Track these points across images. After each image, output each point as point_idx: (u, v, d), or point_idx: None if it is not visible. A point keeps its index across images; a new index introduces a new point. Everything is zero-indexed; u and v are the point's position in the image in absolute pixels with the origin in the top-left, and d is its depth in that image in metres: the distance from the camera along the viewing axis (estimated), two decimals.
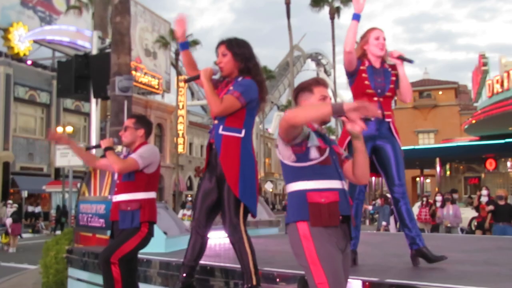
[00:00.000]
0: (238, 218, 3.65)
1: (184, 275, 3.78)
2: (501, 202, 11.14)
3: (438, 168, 28.67)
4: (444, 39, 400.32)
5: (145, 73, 40.62)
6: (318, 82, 2.90)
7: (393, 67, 4.29)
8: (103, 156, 4.35)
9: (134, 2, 39.23)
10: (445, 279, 3.51)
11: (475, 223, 13.43)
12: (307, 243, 2.61)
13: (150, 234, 4.29)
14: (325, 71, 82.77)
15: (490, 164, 27.57)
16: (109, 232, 4.56)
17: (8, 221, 18.23)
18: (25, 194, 28.96)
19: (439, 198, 14.37)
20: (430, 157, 28.53)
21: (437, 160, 28.15)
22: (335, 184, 2.70)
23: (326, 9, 41.59)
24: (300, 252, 2.64)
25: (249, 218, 3.90)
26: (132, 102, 9.51)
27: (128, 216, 4.16)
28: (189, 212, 15.99)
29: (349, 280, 2.90)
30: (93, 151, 5.18)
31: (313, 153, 2.70)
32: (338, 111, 2.48)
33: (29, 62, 32.82)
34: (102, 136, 10.77)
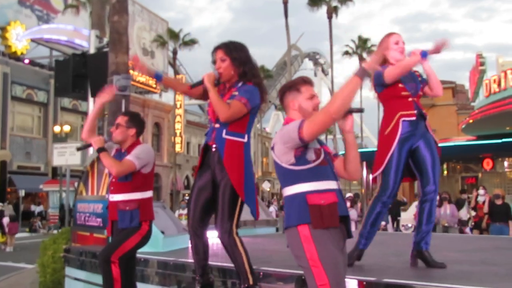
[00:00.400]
0: (231, 221, 3.68)
1: (199, 276, 3.87)
2: (498, 202, 11.16)
3: None
4: None
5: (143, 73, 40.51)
6: (304, 81, 2.90)
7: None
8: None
9: (132, 1, 39.15)
10: (443, 279, 3.52)
11: (472, 223, 13.44)
12: (308, 245, 2.60)
13: (149, 232, 4.30)
14: (323, 71, 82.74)
15: (487, 164, 27.59)
16: (106, 232, 4.56)
17: (5, 220, 18.19)
18: (22, 193, 28.91)
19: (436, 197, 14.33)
20: None
21: None
22: (332, 184, 2.71)
23: (323, 9, 41.68)
24: (301, 254, 2.63)
25: (249, 217, 3.92)
26: (129, 101, 9.50)
27: (127, 216, 4.16)
28: (185, 212, 15.99)
29: (346, 279, 2.90)
30: (91, 149, 5.14)
31: (310, 154, 2.70)
32: (364, 75, 2.57)
33: (26, 61, 32.73)
34: (99, 135, 10.75)
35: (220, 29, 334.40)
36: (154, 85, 41.78)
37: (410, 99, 4.17)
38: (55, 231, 20.60)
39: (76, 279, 6.22)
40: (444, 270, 3.94)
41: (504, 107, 22.90)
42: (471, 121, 26.61)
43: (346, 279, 2.74)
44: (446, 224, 13.05)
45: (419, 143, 4.16)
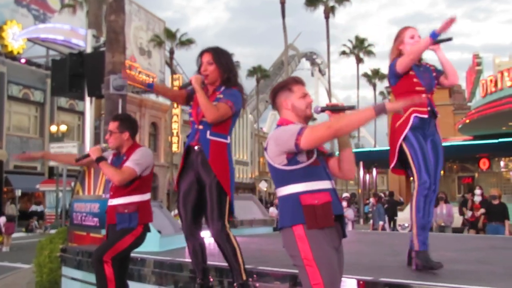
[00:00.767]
0: (223, 219, 3.75)
1: (200, 278, 3.92)
2: (495, 202, 11.20)
3: None
4: None
5: (140, 72, 40.48)
6: (296, 80, 2.92)
7: (426, 63, 4.25)
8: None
9: (128, 1, 39.11)
10: (439, 278, 3.52)
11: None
12: (302, 244, 2.61)
13: (144, 234, 4.29)
14: (320, 71, 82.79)
15: (484, 164, 27.66)
16: (103, 231, 4.56)
17: (2, 220, 18.15)
18: (18, 193, 28.82)
19: None
20: None
21: None
22: (325, 184, 2.71)
23: (321, 9, 41.72)
24: (296, 253, 2.63)
25: (245, 217, 3.96)
26: (126, 101, 9.50)
27: (126, 218, 4.15)
28: None
29: (344, 279, 2.90)
30: (87, 148, 5.14)
31: (301, 157, 2.71)
32: (381, 112, 2.56)
33: (23, 60, 32.62)
34: (96, 135, 10.75)
35: (217, 28, 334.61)
36: None
37: (424, 95, 4.03)
38: (51, 231, 20.56)
39: (72, 278, 6.21)
40: (441, 269, 3.95)
41: (501, 107, 22.96)
42: (467, 121, 26.67)
43: (344, 278, 2.74)
44: (442, 224, 13.09)
45: (426, 144, 4.10)
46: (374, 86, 56.68)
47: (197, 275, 3.95)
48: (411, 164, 3.99)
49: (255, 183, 60.11)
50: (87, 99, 9.84)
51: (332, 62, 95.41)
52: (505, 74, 23.70)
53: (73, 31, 26.27)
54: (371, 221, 19.65)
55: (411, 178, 4.09)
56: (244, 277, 3.72)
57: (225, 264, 3.85)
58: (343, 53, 51.42)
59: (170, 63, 45.06)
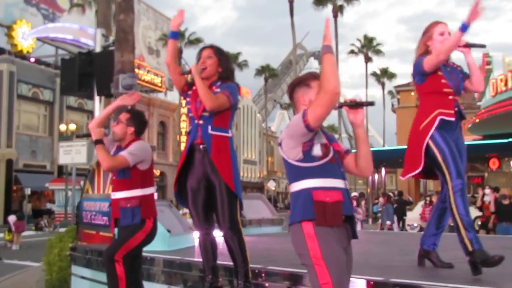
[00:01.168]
0: (234, 218, 3.77)
1: (210, 277, 3.92)
2: (505, 202, 11.11)
3: None
4: None
5: (148, 71, 40.64)
6: (314, 76, 2.86)
7: (453, 63, 4.05)
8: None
9: (137, 0, 39.21)
10: (449, 279, 3.50)
11: (479, 223, 13.38)
12: (311, 242, 2.58)
13: (154, 230, 4.30)
14: None
15: (493, 164, 27.49)
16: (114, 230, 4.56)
17: (12, 218, 18.25)
18: (28, 191, 29.00)
19: None
20: None
21: None
22: (339, 183, 2.68)
23: (329, 8, 41.72)
24: (304, 251, 2.61)
25: (254, 216, 3.97)
26: None
27: (128, 213, 4.17)
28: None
29: (353, 279, 2.88)
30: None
31: (316, 150, 2.67)
32: (329, 50, 2.62)
33: (32, 59, 32.85)
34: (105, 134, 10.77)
35: (225, 28, 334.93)
36: (159, 84, 41.88)
37: (451, 97, 3.87)
38: (61, 229, 20.66)
39: (82, 277, 6.24)
40: (451, 269, 3.93)
41: (511, 107, 22.82)
42: (477, 120, 26.54)
43: (353, 279, 2.72)
44: (452, 224, 13.01)
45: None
46: (383, 85, 56.50)
47: (207, 273, 3.95)
48: (441, 165, 3.77)
49: (263, 182, 60.14)
50: (96, 98, 9.87)
51: (341, 61, 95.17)
52: None
53: (82, 31, 26.41)
54: (379, 221, 19.61)
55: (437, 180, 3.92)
56: (250, 275, 3.77)
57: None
58: (352, 52, 51.31)
59: (178, 62, 45.17)
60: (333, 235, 2.60)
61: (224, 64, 3.91)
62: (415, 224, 17.81)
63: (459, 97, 3.98)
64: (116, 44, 9.58)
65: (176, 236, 6.02)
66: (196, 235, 3.96)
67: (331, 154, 2.71)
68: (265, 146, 65.53)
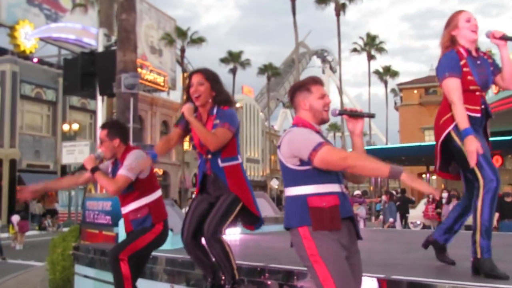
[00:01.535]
0: (222, 224, 3.70)
1: (211, 278, 3.92)
2: (508, 199, 11.09)
3: None
4: None
5: (151, 71, 40.65)
6: (315, 81, 2.87)
7: (484, 53, 3.76)
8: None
9: (139, 0, 39.22)
10: (453, 276, 3.51)
11: None
12: (308, 242, 2.61)
13: (165, 232, 4.24)
14: (331, 68, 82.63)
15: (497, 161, 27.36)
16: (115, 229, 4.55)
17: (15, 218, 18.29)
18: None
19: (445, 194, 14.33)
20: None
21: None
22: (334, 187, 2.69)
23: (331, 6, 41.65)
24: (303, 253, 2.64)
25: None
26: (138, 99, 9.53)
27: (140, 222, 4.12)
28: None
29: (364, 278, 2.85)
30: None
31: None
32: (395, 176, 2.48)
33: (35, 59, 32.90)
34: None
35: (228, 26, 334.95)
36: (162, 84, 41.91)
37: (477, 93, 3.61)
38: (64, 229, 20.71)
39: (85, 276, 6.25)
40: (454, 266, 3.93)
41: None
42: None
43: (364, 278, 2.71)
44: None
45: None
46: (386, 83, 56.42)
47: (208, 276, 3.94)
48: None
49: (266, 180, 60.09)
50: (99, 97, 9.90)
51: (343, 59, 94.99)
52: None
53: (84, 30, 26.38)
54: (380, 217, 19.59)
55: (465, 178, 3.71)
56: (237, 276, 3.76)
57: (236, 262, 3.85)
58: (354, 50, 51.28)
59: (181, 61, 45.16)
60: (331, 236, 2.60)
61: (217, 87, 3.86)
62: (418, 222, 17.79)
63: (485, 93, 3.72)
64: (118, 43, 9.61)
65: (179, 235, 5.99)
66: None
67: None
68: (268, 145, 65.50)
